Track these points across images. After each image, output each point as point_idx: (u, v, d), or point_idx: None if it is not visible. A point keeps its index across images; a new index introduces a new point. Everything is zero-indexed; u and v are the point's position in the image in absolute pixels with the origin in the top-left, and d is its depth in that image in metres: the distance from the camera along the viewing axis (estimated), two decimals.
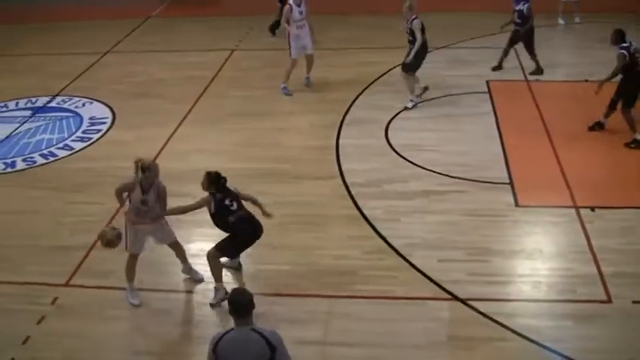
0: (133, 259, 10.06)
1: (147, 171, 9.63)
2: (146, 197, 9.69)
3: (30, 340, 9.72)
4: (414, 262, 10.65)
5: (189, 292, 10.49)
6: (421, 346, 9.07)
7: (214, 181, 9.80)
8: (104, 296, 10.43)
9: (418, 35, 14.88)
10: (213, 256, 9.97)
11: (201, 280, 10.52)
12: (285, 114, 15.77)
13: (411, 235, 11.27)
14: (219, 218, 9.81)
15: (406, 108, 15.33)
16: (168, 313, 10.02)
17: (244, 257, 10.72)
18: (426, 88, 15.65)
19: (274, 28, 20.67)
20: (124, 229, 9.88)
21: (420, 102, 15.48)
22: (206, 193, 9.87)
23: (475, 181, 12.54)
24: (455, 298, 9.88)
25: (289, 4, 16.26)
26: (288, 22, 16.31)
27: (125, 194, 9.97)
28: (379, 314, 9.72)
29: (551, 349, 8.95)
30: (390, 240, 11.15)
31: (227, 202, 9.79)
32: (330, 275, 10.48)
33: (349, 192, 12.50)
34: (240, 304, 6.55)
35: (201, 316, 10.01)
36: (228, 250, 10.11)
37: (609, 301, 9.72)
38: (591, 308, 9.64)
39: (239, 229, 9.84)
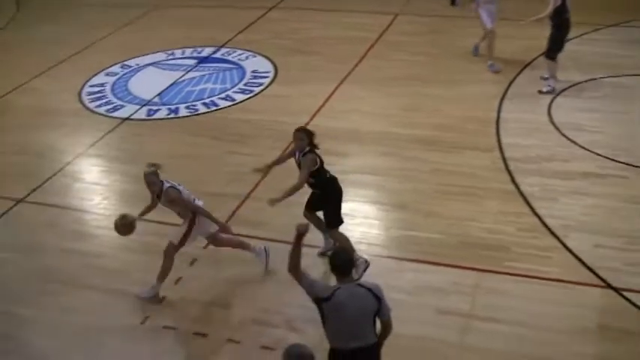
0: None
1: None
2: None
3: (181, 280, 10.07)
4: (568, 244, 10.33)
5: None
6: (568, 332, 8.80)
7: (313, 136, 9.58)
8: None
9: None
10: (333, 232, 9.88)
11: None
12: (447, 82, 15.50)
13: (568, 216, 10.91)
14: (321, 174, 9.64)
15: (540, 91, 14.75)
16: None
17: (394, 221, 10.69)
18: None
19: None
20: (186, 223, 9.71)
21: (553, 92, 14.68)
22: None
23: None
24: (609, 286, 9.51)
25: None
26: None
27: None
28: (528, 293, 9.49)
29: None
30: (545, 219, 10.85)
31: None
32: (480, 248, 10.31)
33: (507, 166, 12.22)
34: (345, 262, 6.84)
35: None
36: (335, 218, 9.88)
37: None
38: None
39: (334, 184, 9.76)
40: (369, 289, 6.80)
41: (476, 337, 8.81)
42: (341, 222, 9.84)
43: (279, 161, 10.13)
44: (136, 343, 9.14)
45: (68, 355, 9.07)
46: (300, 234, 6.96)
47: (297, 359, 6.14)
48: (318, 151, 9.57)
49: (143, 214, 9.82)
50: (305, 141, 9.46)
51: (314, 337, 8.08)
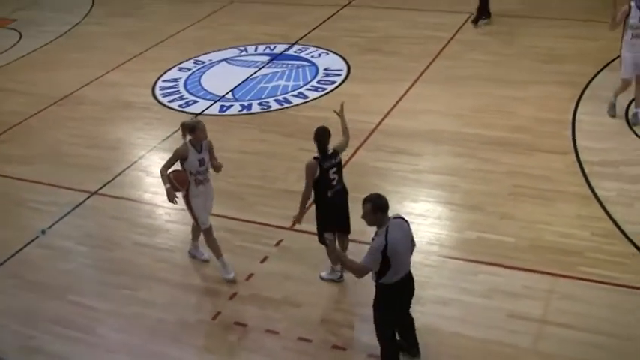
0: (209, 234, 10.09)
1: (195, 130, 9.61)
2: (202, 156, 9.63)
3: (253, 277, 10.12)
4: None
5: None
6: None
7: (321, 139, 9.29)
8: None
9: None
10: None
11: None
12: (521, 83, 15.26)
13: None
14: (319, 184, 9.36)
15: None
16: None
17: (467, 223, 10.59)
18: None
19: (478, 19, 18.91)
20: (188, 206, 9.92)
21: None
22: None
23: None
24: None
25: (629, 5, 12.77)
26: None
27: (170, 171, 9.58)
28: (604, 300, 9.28)
29: None
30: (621, 225, 10.60)
31: (331, 173, 9.30)
32: (554, 252, 10.12)
33: (582, 170, 11.97)
34: (385, 203, 7.50)
35: None
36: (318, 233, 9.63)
37: None
38: None
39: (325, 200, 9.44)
40: (403, 218, 7.77)
41: (549, 343, 8.65)
42: (322, 241, 9.52)
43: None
44: (209, 338, 9.20)
45: (145, 349, 9.17)
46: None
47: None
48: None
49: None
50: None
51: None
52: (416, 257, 10.15)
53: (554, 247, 10.22)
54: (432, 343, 8.76)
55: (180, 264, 10.60)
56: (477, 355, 8.53)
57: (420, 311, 9.22)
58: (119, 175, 13.18)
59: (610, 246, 10.24)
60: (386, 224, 7.48)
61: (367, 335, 8.50)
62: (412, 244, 7.89)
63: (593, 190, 11.42)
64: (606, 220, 10.75)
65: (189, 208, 9.88)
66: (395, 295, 7.80)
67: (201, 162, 9.62)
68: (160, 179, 9.46)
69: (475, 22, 18.64)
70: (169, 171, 9.49)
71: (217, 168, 9.93)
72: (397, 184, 11.81)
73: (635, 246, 10.19)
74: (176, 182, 9.45)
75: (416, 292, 9.49)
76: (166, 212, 11.89)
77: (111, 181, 12.98)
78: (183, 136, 9.65)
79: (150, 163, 13.53)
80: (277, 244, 10.67)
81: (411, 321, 8.40)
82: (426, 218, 10.48)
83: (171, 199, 9.39)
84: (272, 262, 10.41)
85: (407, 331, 8.43)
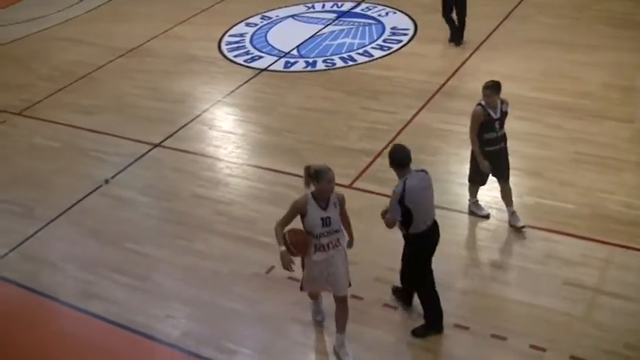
0: (312, 296, 8.56)
1: (320, 180, 7.40)
2: (328, 214, 7.48)
3: None
4: None
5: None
6: None
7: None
8: (382, 202, 10.56)
9: None
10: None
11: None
12: (591, 47, 14.91)
13: None
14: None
15: None
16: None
17: (527, 188, 10.45)
18: None
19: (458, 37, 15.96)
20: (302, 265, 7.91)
21: None
22: None
23: None
24: None
25: None
26: None
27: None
28: None
29: None
30: None
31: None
32: (615, 222, 9.94)
33: None
34: (400, 157, 7.72)
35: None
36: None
37: None
38: None
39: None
40: (425, 171, 7.91)
41: (602, 313, 8.54)
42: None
43: None
44: (262, 291, 9.29)
45: (198, 298, 9.31)
46: None
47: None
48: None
49: None
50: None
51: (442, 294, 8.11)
52: (473, 221, 10.21)
53: (614, 217, 10.04)
54: (486, 306, 8.75)
55: (237, 217, 10.70)
56: (530, 320, 8.46)
57: (475, 274, 9.23)
58: (182, 127, 13.31)
59: None
60: (405, 176, 7.66)
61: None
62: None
63: None
64: None
65: (303, 268, 7.89)
66: (425, 245, 8.07)
67: (326, 222, 7.45)
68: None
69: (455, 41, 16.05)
70: (287, 229, 7.52)
71: (349, 242, 8.09)
72: (458, 147, 11.69)
73: None
74: (292, 246, 7.43)
75: (471, 254, 9.53)
76: (227, 166, 12.00)
77: (174, 133, 13.13)
78: (306, 184, 7.54)
79: (213, 117, 13.64)
80: None
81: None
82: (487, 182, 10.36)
83: (287, 265, 7.38)
84: None
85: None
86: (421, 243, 8.03)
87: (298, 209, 7.46)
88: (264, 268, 9.62)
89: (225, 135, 13.06)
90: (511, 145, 9.82)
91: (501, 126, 9.48)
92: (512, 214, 9.96)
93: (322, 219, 7.40)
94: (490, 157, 9.57)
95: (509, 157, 9.77)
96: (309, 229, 7.46)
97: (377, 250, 9.69)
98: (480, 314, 8.62)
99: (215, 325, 8.85)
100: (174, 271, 9.83)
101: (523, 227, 9.84)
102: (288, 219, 7.50)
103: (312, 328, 8.52)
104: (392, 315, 8.74)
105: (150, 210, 11.19)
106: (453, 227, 9.98)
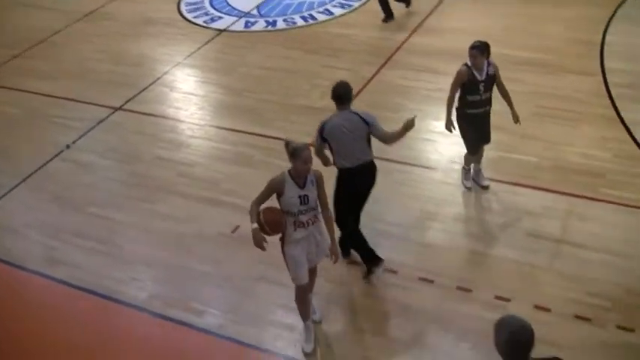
0: (302, 291, 7.75)
1: (295, 158, 7.02)
2: (306, 192, 7.15)
3: None
4: None
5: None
6: None
7: None
8: None
9: None
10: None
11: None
12: (551, 2, 14.96)
13: None
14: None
15: None
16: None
17: (490, 143, 10.49)
18: None
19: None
20: (283, 255, 7.55)
21: None
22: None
23: None
24: None
25: None
26: None
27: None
28: (622, 222, 9.23)
29: None
30: None
31: None
32: (575, 174, 10.05)
33: (609, 92, 11.79)
34: (347, 91, 8.00)
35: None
36: None
37: None
38: None
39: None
40: (359, 115, 8.01)
41: (565, 263, 8.63)
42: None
43: None
44: (228, 251, 9.27)
45: (162, 260, 9.26)
46: None
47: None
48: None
49: None
50: None
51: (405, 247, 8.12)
52: (436, 175, 10.27)
53: (576, 169, 10.15)
54: (450, 260, 8.82)
55: (200, 178, 10.65)
56: (494, 272, 8.56)
57: (439, 228, 9.28)
58: (143, 90, 13.19)
59: (632, 168, 10.14)
60: (339, 112, 8.05)
61: (386, 250, 8.59)
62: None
63: (618, 113, 11.28)
64: (630, 143, 10.65)
65: (284, 258, 7.55)
66: (346, 182, 8.24)
67: (304, 200, 7.16)
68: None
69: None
70: (262, 207, 7.17)
71: (333, 254, 7.48)
72: (420, 102, 11.72)
73: None
74: (267, 225, 7.10)
75: (435, 209, 9.56)
76: (189, 127, 11.93)
77: (135, 96, 13.00)
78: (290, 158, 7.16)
79: (174, 79, 13.53)
80: None
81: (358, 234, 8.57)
82: (447, 136, 10.37)
83: (259, 244, 7.03)
84: None
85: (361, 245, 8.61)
86: (342, 179, 8.24)
87: (274, 188, 7.13)
88: (229, 228, 9.58)
89: (187, 96, 12.95)
90: None
91: (486, 89, 9.24)
92: (478, 171, 10.00)
93: (300, 197, 7.10)
94: (473, 120, 9.42)
95: None
96: (287, 208, 7.15)
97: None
98: (444, 267, 8.68)
99: (182, 287, 8.81)
100: (138, 233, 9.77)
101: (487, 186, 9.90)
102: (264, 197, 7.15)
103: (279, 286, 8.50)
104: (355, 270, 8.77)
105: (112, 173, 11.09)
106: (415, 182, 10.07)
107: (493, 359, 4.85)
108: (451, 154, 10.44)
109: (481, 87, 9.19)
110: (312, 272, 7.75)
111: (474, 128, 9.49)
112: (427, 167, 10.41)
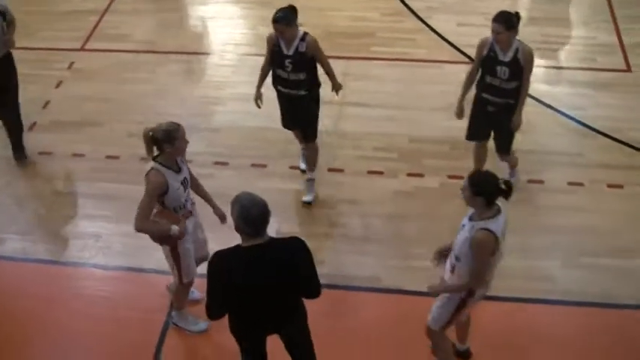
0: (187, 288, 6.70)
1: (174, 140, 5.80)
2: (183, 175, 6.11)
3: (50, 104, 9.78)
4: (432, 24, 10.50)
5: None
6: (439, 109, 8.95)
7: None
8: (121, 59, 10.39)
9: None
10: None
11: None
12: None
13: None
14: None
15: None
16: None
17: (260, 20, 10.45)
18: None
19: None
20: (170, 256, 6.31)
21: None
22: None
23: None
24: (472, 60, 9.69)
25: None
26: None
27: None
28: (396, 76, 9.72)
29: (567, 114, 9.03)
30: (408, 2, 10.91)
31: None
32: (346, 37, 10.36)
33: None
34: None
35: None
36: None
37: (629, 70, 9.71)
38: (610, 77, 9.64)
39: None
40: None
41: (349, 123, 9.04)
42: None
43: None
44: (15, 175, 8.77)
45: None
46: None
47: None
48: None
49: None
50: None
51: None
52: (211, 59, 10.23)
53: (346, 32, 10.47)
54: (239, 137, 8.95)
55: None
56: (283, 144, 8.67)
57: (222, 111, 9.30)
58: None
59: (399, 24, 10.62)
60: None
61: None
62: None
63: None
64: (394, 0, 11.02)
65: (175, 259, 6.29)
66: None
67: (185, 183, 6.11)
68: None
69: None
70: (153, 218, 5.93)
71: (221, 216, 6.49)
72: None
73: (423, 21, 10.59)
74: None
75: (214, 93, 9.51)
76: None
77: None
78: (150, 151, 5.94)
79: None
80: (70, 66, 10.31)
81: None
82: (217, 20, 10.34)
83: (182, 235, 5.96)
84: (68, 85, 10.06)
85: None
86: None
87: (159, 188, 5.82)
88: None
89: None
90: None
91: (511, 77, 7.11)
92: None
93: (182, 182, 6.01)
94: (482, 107, 7.52)
95: None
96: (175, 204, 6.00)
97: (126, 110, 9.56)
98: (234, 148, 8.80)
99: None
100: None
101: None
102: (150, 207, 5.85)
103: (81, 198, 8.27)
104: None
105: None
106: None
107: None
108: (223, 38, 10.38)
109: (499, 70, 7.16)
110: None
111: (479, 119, 7.68)
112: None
